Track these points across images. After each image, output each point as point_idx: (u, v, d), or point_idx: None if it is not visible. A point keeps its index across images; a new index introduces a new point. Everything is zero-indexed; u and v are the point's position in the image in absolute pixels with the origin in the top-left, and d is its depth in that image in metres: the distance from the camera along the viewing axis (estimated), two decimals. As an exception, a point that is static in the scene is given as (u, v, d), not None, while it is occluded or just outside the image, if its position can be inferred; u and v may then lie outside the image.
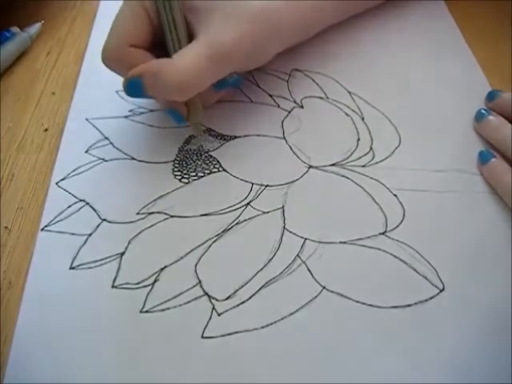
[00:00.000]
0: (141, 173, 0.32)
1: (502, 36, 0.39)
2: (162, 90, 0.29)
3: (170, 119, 0.32)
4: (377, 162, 0.32)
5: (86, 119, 0.35)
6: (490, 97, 0.34)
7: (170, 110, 0.31)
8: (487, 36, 0.40)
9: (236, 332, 0.26)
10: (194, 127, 0.33)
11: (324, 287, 0.27)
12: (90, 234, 0.29)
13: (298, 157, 0.33)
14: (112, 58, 0.30)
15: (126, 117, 0.35)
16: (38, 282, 0.27)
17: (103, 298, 0.27)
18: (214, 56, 0.29)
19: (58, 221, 0.30)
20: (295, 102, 0.36)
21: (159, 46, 0.31)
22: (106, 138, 0.34)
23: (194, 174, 0.32)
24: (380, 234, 0.29)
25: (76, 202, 0.30)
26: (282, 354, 0.25)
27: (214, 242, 0.29)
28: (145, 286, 0.27)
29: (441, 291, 0.27)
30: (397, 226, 0.29)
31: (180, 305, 0.27)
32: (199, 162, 0.32)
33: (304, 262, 0.28)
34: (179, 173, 0.32)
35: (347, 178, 0.32)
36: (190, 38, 0.30)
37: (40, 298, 0.27)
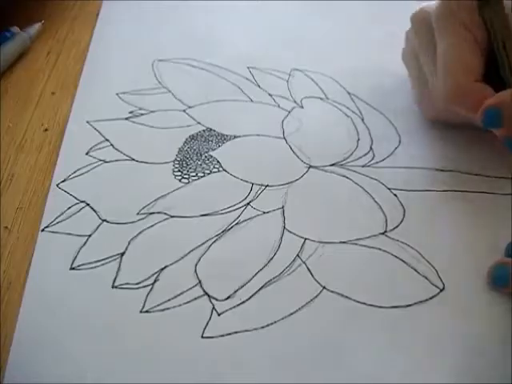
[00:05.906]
0: (141, 173, 0.32)
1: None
2: None
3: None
4: (377, 162, 0.32)
5: (87, 122, 0.35)
6: None
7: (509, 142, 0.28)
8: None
9: (236, 332, 0.26)
10: None
11: (324, 287, 0.27)
12: (90, 235, 0.29)
13: (298, 157, 0.33)
14: (461, 96, 0.29)
15: (126, 118, 0.35)
16: (38, 282, 0.27)
17: (103, 297, 0.27)
18: None
19: (59, 222, 0.30)
20: (295, 101, 0.36)
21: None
22: (107, 140, 0.34)
23: (194, 174, 0.32)
24: (380, 233, 0.29)
25: (76, 203, 0.30)
26: (282, 354, 0.25)
27: (214, 242, 0.29)
28: (145, 286, 0.27)
29: (441, 291, 0.27)
30: (397, 226, 0.29)
31: (180, 305, 0.26)
32: (199, 162, 0.32)
33: (304, 262, 0.28)
34: (179, 173, 0.32)
35: (347, 177, 0.32)
36: None
37: (40, 298, 0.27)
